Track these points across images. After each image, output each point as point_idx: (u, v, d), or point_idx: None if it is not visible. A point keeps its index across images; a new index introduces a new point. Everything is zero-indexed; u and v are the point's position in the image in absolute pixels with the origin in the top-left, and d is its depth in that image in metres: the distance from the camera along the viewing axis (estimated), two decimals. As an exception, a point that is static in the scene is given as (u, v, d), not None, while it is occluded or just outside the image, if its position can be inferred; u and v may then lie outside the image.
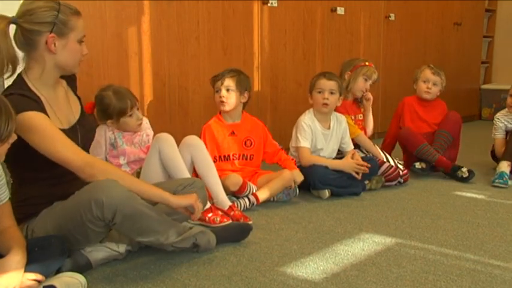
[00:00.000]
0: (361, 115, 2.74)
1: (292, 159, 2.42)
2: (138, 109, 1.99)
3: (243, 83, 2.31)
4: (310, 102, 2.51)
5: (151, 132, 2.12)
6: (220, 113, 2.36)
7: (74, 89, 1.72)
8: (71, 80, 1.70)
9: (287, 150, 2.58)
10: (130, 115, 1.98)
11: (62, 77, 1.64)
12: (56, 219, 1.47)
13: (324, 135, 2.51)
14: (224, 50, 2.78)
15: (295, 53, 3.14)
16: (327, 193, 2.36)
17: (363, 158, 2.46)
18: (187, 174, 1.86)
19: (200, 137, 2.24)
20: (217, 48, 2.76)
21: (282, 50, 3.08)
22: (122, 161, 2.01)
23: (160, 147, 1.87)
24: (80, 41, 1.55)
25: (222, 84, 2.28)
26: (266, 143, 2.42)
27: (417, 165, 2.67)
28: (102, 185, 1.41)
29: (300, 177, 2.31)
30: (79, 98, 1.71)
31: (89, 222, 1.41)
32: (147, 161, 1.93)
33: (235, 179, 2.15)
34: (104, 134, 1.99)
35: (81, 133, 1.62)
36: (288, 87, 3.14)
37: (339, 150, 2.58)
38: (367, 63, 2.63)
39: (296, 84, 3.16)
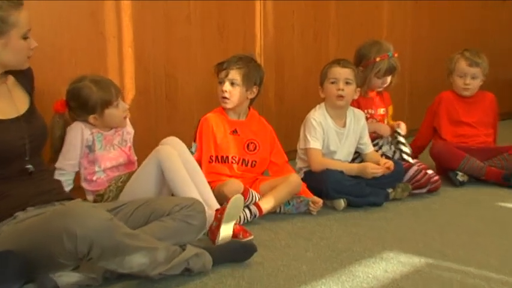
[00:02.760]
0: (384, 109, 2.74)
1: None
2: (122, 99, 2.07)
3: (252, 77, 2.32)
4: (322, 96, 2.51)
5: (131, 130, 2.17)
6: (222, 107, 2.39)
7: (26, 85, 1.75)
8: (22, 75, 1.73)
9: (294, 152, 2.58)
10: (117, 105, 2.02)
11: (14, 72, 1.69)
12: (18, 242, 1.48)
13: (338, 135, 2.51)
14: (220, 33, 2.78)
15: (304, 35, 3.13)
16: (342, 203, 2.36)
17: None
18: (194, 193, 1.88)
19: (195, 132, 2.29)
20: (212, 30, 2.76)
21: (289, 32, 3.07)
22: (97, 168, 2.04)
23: (162, 162, 1.90)
24: (25, 36, 1.59)
25: (226, 75, 2.29)
26: (273, 152, 2.43)
27: (459, 176, 2.65)
28: (76, 212, 1.42)
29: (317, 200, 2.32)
30: (30, 95, 1.75)
31: (59, 255, 1.42)
32: (141, 173, 1.95)
33: (236, 185, 2.15)
34: (81, 134, 2.01)
35: (28, 131, 1.65)
36: (296, 76, 3.14)
37: (356, 151, 2.58)
38: (378, 59, 2.60)
39: (306, 72, 3.14)
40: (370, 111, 2.69)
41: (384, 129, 2.64)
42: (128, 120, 2.14)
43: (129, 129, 2.16)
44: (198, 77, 2.68)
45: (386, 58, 2.61)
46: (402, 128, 2.65)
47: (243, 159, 2.35)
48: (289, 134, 2.88)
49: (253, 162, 2.36)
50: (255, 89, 2.35)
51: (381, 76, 2.63)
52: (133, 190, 1.94)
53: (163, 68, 2.62)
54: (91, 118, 2.01)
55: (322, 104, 2.52)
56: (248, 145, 2.37)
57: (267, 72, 2.82)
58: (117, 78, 2.44)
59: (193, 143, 2.31)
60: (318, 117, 2.46)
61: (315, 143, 2.44)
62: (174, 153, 1.95)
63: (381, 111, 2.74)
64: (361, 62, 2.65)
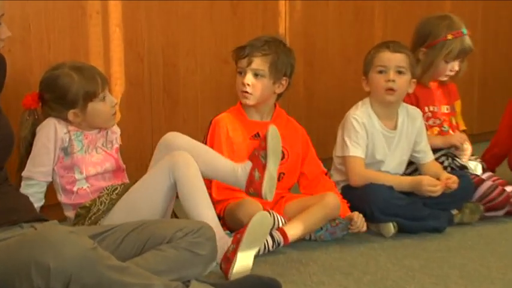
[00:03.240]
0: (448, 106, 2.74)
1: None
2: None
3: (282, 66, 2.33)
4: (366, 89, 2.51)
5: (118, 130, 2.21)
6: (241, 102, 2.39)
7: None
8: None
9: (329, 161, 2.58)
10: (104, 98, 2.06)
11: None
12: None
13: (387, 139, 2.50)
14: (233, 8, 2.80)
15: (342, 12, 3.12)
16: (392, 228, 2.36)
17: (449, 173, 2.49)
18: (206, 217, 1.91)
19: (205, 137, 2.31)
20: (223, 4, 2.78)
21: (322, 8, 3.07)
22: (77, 175, 2.06)
23: (176, 172, 1.95)
24: None
25: (249, 64, 2.30)
26: (306, 159, 2.44)
27: None
28: (50, 239, 1.42)
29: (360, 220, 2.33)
30: None
31: None
32: (147, 184, 1.99)
33: (253, 207, 2.14)
34: (54, 133, 2.02)
35: None
36: (330, 64, 3.13)
37: (410, 162, 2.57)
38: (449, 36, 2.60)
39: (343, 59, 3.14)
40: (431, 108, 2.68)
41: (458, 139, 2.58)
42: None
43: (115, 128, 2.20)
44: (205, 65, 2.70)
45: (460, 36, 2.60)
46: (465, 154, 2.61)
47: None
48: (321, 138, 2.86)
49: (280, 175, 2.33)
50: (284, 82, 2.36)
51: (451, 59, 2.62)
52: (132, 206, 1.97)
53: (160, 53, 2.63)
54: (71, 114, 2.03)
55: (367, 100, 2.50)
56: None
57: None
58: (102, 65, 2.46)
59: None
60: (361, 117, 2.45)
61: (356, 150, 2.43)
62: (194, 164, 1.98)
63: (445, 109, 2.72)
64: (425, 41, 2.64)
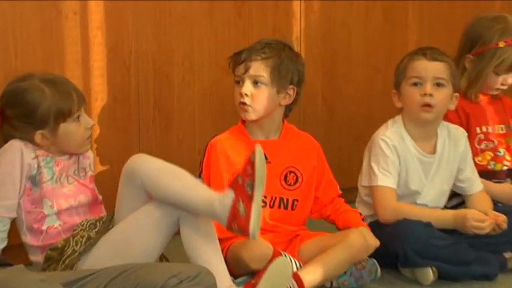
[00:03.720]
0: (503, 126, 2.66)
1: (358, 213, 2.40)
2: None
3: (286, 72, 2.28)
4: (398, 105, 2.45)
5: (91, 154, 2.18)
6: (242, 121, 2.35)
7: None
8: None
9: (353, 192, 2.52)
10: (78, 118, 2.02)
11: None
12: None
13: (424, 166, 2.44)
14: (237, 8, 2.75)
15: (368, 13, 3.07)
16: (430, 274, 2.28)
17: (496, 209, 2.39)
18: (211, 259, 1.89)
19: (200, 164, 2.28)
20: (226, 4, 2.73)
21: (344, 7, 3.03)
22: (47, 210, 1.99)
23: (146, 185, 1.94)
24: None
25: (246, 71, 2.26)
26: (322, 182, 2.41)
27: None
28: None
29: (373, 241, 2.28)
30: None
31: None
32: (135, 220, 1.94)
33: (261, 249, 2.10)
34: (20, 158, 1.97)
35: None
36: (354, 74, 3.08)
37: (454, 193, 2.52)
38: (501, 44, 2.54)
39: (370, 68, 3.09)
40: (483, 128, 2.61)
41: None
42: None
43: (87, 153, 2.15)
44: (204, 75, 2.65)
45: None
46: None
47: (280, 199, 2.33)
48: (344, 163, 2.84)
49: (294, 203, 2.32)
50: (291, 91, 2.30)
51: (502, 72, 2.56)
52: (119, 246, 1.92)
53: (150, 61, 2.59)
54: (38, 135, 1.98)
55: (399, 118, 2.45)
56: (286, 176, 2.34)
57: (310, 67, 2.81)
58: (80, 77, 2.42)
59: (198, 178, 2.23)
60: (392, 138, 2.40)
61: (385, 179, 2.37)
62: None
63: (500, 129, 2.65)
64: (473, 46, 2.59)
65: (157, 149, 2.60)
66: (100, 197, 2.15)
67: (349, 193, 2.52)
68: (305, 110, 2.87)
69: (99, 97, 2.51)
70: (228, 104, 2.49)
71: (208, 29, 2.70)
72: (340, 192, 2.42)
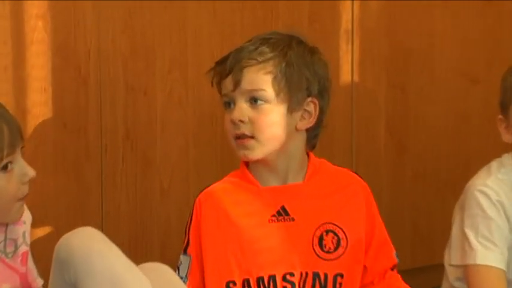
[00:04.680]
0: None
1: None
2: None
3: (299, 77, 2.17)
4: (506, 138, 2.35)
5: (28, 217, 2.14)
6: (245, 162, 2.26)
7: None
8: None
9: (437, 270, 2.46)
10: (6, 166, 1.97)
11: None
12: None
13: None
14: None
15: (461, 3, 3.02)
16: None
17: None
18: None
19: (186, 232, 2.24)
20: None
21: None
22: None
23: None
24: None
25: (236, 85, 2.17)
26: (371, 243, 2.32)
27: None
28: None
29: None
30: None
31: None
32: None
33: None
34: None
35: None
36: (438, 88, 3.02)
37: None
38: None
39: (464, 80, 3.03)
40: None
41: None
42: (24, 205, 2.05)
43: (26, 216, 2.11)
44: (202, 90, 2.54)
45: None
46: None
47: (315, 275, 2.25)
48: (420, 227, 2.85)
49: (336, 279, 2.26)
50: (310, 106, 2.17)
51: None
52: None
53: (120, 69, 2.53)
54: None
55: (507, 158, 2.38)
56: (322, 239, 2.25)
57: (368, 76, 2.89)
58: (8, 92, 2.39)
59: (181, 255, 2.22)
60: (497, 191, 2.31)
61: (488, 254, 2.29)
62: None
63: None
64: None
65: (130, 204, 2.54)
66: (39, 283, 2.10)
67: (427, 275, 2.59)
68: (359, 142, 2.76)
69: (39, 124, 2.44)
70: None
71: (209, 16, 2.61)
72: (396, 260, 2.32)
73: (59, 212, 2.46)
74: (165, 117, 2.63)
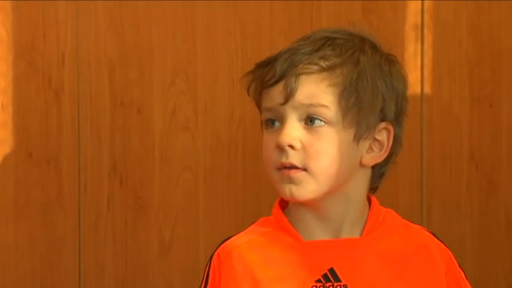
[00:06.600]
0: None
1: None
2: None
3: (372, 94, 1.91)
4: None
5: None
6: (282, 204, 1.93)
7: None
8: None
9: None
10: None
11: None
12: None
13: None
14: None
15: None
16: None
17: None
18: None
19: None
20: None
21: None
22: None
23: None
24: None
25: (288, 97, 1.91)
26: None
27: None
28: None
29: None
30: None
31: None
32: None
33: None
34: None
35: None
36: None
37: None
38: None
39: None
40: None
41: None
42: None
43: None
44: (216, 108, 2.34)
45: None
46: None
47: None
48: None
49: None
50: (383, 135, 1.84)
51: None
52: None
53: (105, 80, 2.32)
54: None
55: None
56: None
57: (445, 90, 2.65)
58: None
59: None
60: None
61: None
62: None
63: None
64: None
65: (118, 262, 2.30)
66: None
67: None
68: (431, 179, 2.44)
69: (-2, 154, 2.11)
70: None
71: (226, 9, 2.32)
72: None
73: (22, 273, 2.25)
74: (166, 144, 2.34)
